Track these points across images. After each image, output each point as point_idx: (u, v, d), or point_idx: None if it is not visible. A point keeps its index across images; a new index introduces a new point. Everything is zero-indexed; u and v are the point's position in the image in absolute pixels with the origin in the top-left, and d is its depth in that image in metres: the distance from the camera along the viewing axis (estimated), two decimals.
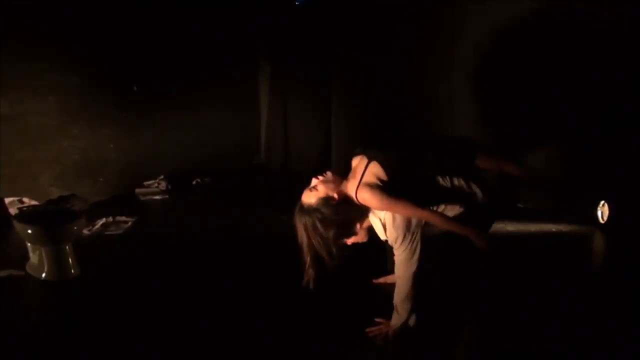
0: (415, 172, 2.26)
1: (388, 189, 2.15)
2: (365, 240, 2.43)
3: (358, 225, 2.34)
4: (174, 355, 2.25)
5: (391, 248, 2.43)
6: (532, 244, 3.68)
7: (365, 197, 2.15)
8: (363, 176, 2.19)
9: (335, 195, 2.22)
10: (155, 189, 5.08)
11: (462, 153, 2.37)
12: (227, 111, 6.01)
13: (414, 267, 2.23)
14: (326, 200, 2.21)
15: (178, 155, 5.50)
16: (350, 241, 2.37)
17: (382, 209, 2.21)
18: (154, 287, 2.95)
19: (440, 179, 2.30)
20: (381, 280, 2.87)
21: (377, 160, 2.21)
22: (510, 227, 3.97)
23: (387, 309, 2.39)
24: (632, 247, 3.50)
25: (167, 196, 4.98)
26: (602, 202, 3.91)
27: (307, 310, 2.63)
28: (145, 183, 5.14)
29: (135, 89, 5.01)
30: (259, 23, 5.99)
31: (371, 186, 2.15)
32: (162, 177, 5.21)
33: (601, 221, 3.91)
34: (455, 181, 2.32)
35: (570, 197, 3.93)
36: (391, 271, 2.64)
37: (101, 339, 2.37)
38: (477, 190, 2.33)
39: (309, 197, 2.24)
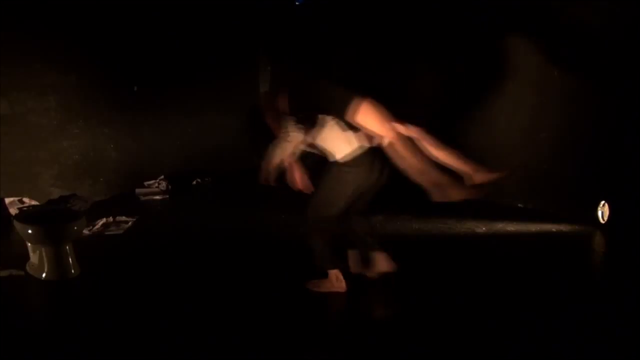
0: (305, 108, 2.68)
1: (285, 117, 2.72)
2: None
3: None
4: (174, 354, 2.25)
5: None
6: (532, 244, 3.69)
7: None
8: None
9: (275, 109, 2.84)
10: (155, 189, 5.07)
11: (343, 93, 2.69)
12: (227, 111, 6.01)
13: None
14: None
15: (178, 155, 5.49)
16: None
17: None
18: (154, 287, 2.96)
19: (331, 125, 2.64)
20: (374, 274, 2.87)
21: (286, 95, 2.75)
22: (510, 227, 3.98)
23: (386, 308, 2.37)
24: (632, 247, 3.50)
25: (167, 196, 4.98)
26: (602, 202, 3.92)
27: (307, 309, 2.64)
28: (145, 183, 5.14)
29: (135, 89, 5.00)
30: (259, 23, 5.99)
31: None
32: (162, 177, 5.21)
33: (601, 221, 3.91)
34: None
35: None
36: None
37: (101, 339, 2.37)
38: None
39: None
